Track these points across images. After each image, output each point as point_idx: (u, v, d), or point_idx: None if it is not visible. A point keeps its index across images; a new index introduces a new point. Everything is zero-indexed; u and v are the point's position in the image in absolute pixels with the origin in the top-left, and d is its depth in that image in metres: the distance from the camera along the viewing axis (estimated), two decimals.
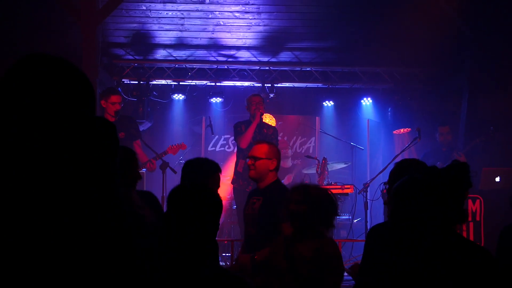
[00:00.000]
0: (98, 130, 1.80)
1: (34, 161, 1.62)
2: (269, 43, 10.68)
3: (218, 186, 4.56)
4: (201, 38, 10.49)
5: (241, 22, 9.93)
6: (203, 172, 4.43)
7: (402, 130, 10.69)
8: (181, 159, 10.33)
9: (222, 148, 11.65)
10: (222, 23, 9.95)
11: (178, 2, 9.25)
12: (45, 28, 8.88)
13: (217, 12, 9.60)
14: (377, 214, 9.13)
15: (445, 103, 10.39)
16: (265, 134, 8.19)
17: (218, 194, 2.89)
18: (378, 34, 9.81)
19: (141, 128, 10.63)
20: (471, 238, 7.24)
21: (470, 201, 7.35)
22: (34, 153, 1.63)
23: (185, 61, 11.15)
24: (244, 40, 10.59)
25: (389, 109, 11.32)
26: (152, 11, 9.53)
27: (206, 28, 10.14)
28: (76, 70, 1.77)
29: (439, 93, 10.71)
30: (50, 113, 1.65)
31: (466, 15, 9.09)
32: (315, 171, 8.88)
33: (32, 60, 1.71)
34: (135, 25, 10.03)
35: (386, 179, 7.96)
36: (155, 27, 10.09)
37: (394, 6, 9.07)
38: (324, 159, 8.69)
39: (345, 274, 4.04)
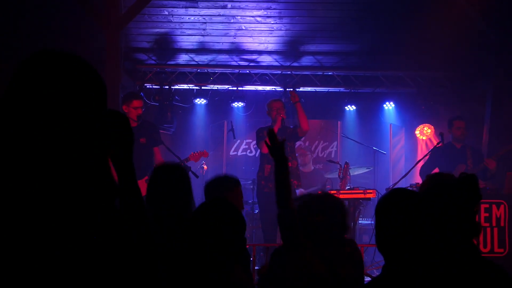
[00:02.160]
0: (110, 122, 1.79)
1: (41, 159, 1.61)
2: (291, 47, 10.67)
3: (241, 198, 4.60)
4: (223, 42, 10.52)
5: (263, 27, 9.93)
6: (223, 188, 4.51)
7: (425, 127, 10.61)
8: (203, 163, 10.36)
9: (244, 153, 11.66)
10: (244, 28, 9.97)
11: (200, 7, 9.28)
12: (68, 33, 8.95)
13: (239, 17, 9.62)
14: None
15: (469, 108, 10.27)
16: (288, 134, 8.26)
17: (238, 211, 2.91)
18: (400, 38, 9.75)
19: (170, 132, 10.72)
20: (495, 244, 7.16)
21: (494, 206, 7.26)
22: (40, 151, 1.62)
23: (207, 65, 11.18)
24: (266, 45, 10.60)
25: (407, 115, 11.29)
26: (174, 16, 9.58)
27: (228, 33, 10.16)
28: (81, 63, 1.74)
29: (463, 97, 10.60)
30: (56, 110, 1.63)
31: (490, 18, 9.00)
32: (337, 176, 8.84)
33: (36, 58, 1.70)
34: (157, 30, 10.08)
35: (408, 183, 7.94)
36: (177, 32, 10.13)
37: (417, 10, 9.01)
38: (346, 163, 8.64)
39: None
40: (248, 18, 9.65)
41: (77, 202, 1.62)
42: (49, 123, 1.63)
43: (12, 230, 1.57)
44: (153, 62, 11.10)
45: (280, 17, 9.62)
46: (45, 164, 1.62)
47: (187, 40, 10.49)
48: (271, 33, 10.17)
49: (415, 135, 11.26)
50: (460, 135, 8.63)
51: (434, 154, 8.56)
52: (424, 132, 10.88)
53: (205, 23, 9.78)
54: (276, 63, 11.17)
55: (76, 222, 1.61)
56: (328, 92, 11.53)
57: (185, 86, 11.36)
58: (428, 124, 10.98)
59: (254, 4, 9.22)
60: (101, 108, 1.75)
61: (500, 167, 8.26)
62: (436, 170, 8.63)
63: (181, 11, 9.41)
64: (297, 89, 11.04)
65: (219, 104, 11.59)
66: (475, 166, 8.30)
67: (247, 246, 8.34)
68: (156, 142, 8.32)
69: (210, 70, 11.20)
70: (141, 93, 10.77)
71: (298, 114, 8.36)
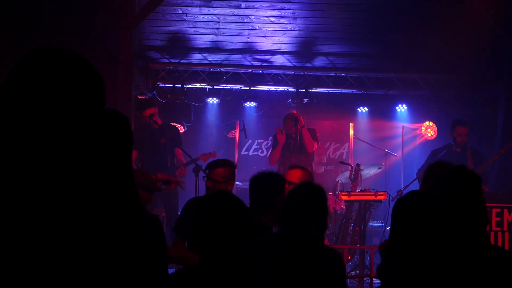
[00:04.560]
0: (108, 122, 1.78)
1: (37, 160, 1.59)
2: (304, 48, 10.66)
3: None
4: (236, 42, 10.53)
5: (276, 27, 9.93)
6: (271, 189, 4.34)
7: (428, 125, 10.54)
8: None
9: (255, 153, 11.67)
10: (257, 28, 9.97)
11: (214, 6, 9.29)
12: (82, 31, 8.99)
13: (252, 17, 9.62)
14: None
15: (482, 111, 10.23)
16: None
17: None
18: (414, 40, 9.73)
19: (184, 129, 10.86)
20: (506, 248, 7.11)
21: (506, 211, 7.22)
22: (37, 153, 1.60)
23: (220, 65, 11.18)
24: (279, 45, 10.59)
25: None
26: (188, 15, 9.59)
27: (241, 33, 10.16)
28: (78, 61, 1.71)
29: (476, 101, 10.55)
30: (47, 107, 1.61)
31: (505, 22, 8.95)
32: (348, 177, 8.82)
33: (32, 54, 1.67)
34: (171, 28, 10.10)
35: (419, 186, 7.90)
36: (191, 31, 10.15)
37: (431, 13, 8.98)
38: (358, 165, 8.62)
39: None
40: (261, 18, 9.65)
41: (68, 200, 1.60)
42: (38, 120, 1.61)
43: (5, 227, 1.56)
44: (166, 60, 11.11)
45: (293, 18, 9.61)
46: (35, 162, 1.59)
47: (201, 39, 10.50)
48: (284, 34, 10.16)
49: (427, 137, 11.23)
50: (460, 141, 8.54)
51: (433, 157, 8.49)
52: (424, 130, 10.86)
53: (219, 22, 9.80)
54: (289, 64, 11.16)
55: (69, 222, 1.59)
56: (340, 93, 11.50)
57: (197, 85, 11.36)
58: (432, 123, 10.95)
59: (268, 4, 9.22)
60: (97, 106, 1.71)
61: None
62: None
63: (195, 10, 9.43)
64: (310, 90, 11.04)
65: (231, 104, 11.59)
66: (475, 167, 8.19)
67: None
68: (175, 144, 8.83)
69: (223, 69, 11.19)
70: (153, 92, 10.84)
71: (303, 138, 8.64)
